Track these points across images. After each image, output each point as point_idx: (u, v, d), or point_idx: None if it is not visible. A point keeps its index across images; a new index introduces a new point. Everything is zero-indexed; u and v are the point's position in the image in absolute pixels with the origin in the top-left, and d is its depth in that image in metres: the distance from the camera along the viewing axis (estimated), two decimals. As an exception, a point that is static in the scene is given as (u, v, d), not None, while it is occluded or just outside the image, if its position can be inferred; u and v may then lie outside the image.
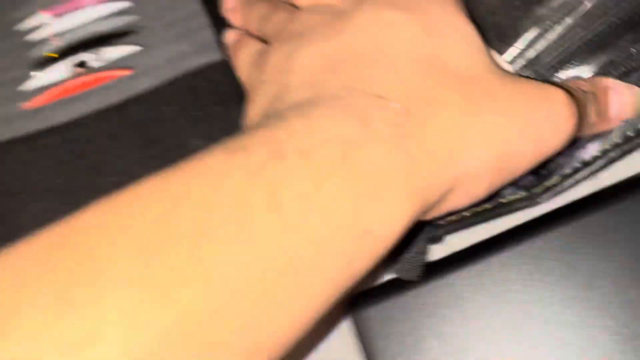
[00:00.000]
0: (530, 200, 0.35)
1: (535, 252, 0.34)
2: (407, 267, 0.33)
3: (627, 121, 0.33)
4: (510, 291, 0.34)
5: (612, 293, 0.33)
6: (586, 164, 0.35)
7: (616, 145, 0.34)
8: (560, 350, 0.33)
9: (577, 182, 0.35)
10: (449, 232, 0.35)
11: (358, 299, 0.34)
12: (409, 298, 0.34)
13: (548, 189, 0.35)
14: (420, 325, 0.34)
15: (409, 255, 0.33)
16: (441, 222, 0.34)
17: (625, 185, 0.36)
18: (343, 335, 0.36)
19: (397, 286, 0.34)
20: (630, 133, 0.34)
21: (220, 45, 0.38)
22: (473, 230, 0.36)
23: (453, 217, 0.35)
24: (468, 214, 0.35)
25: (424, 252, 0.33)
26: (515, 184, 0.35)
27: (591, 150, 0.35)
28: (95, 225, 0.21)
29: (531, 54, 0.35)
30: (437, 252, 0.36)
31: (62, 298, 0.20)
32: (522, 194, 0.35)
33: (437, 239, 0.35)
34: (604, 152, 0.34)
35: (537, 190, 0.35)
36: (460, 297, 0.34)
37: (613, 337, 0.33)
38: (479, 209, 0.35)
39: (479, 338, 0.33)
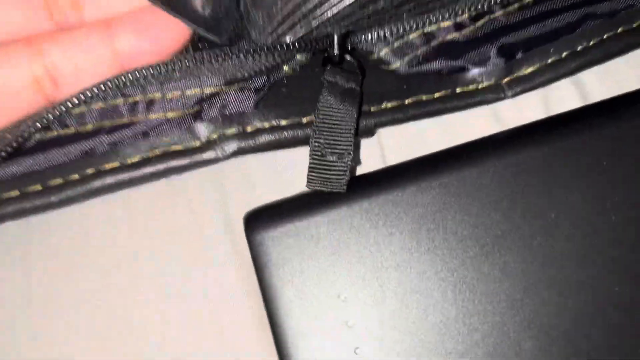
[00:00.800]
0: (496, 93, 0.26)
1: (480, 177, 0.25)
2: (328, 174, 0.24)
3: None
4: (448, 219, 0.25)
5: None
6: (577, 53, 0.26)
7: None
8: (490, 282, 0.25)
9: (559, 76, 0.26)
10: (382, 124, 0.26)
11: (252, 218, 0.26)
12: (317, 220, 0.25)
13: (520, 80, 0.26)
14: (328, 255, 0.25)
15: (331, 158, 0.24)
16: (372, 108, 0.25)
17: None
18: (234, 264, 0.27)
19: (304, 204, 0.26)
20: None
21: None
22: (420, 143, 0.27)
23: (388, 105, 0.26)
24: (409, 102, 0.26)
25: (350, 154, 0.24)
26: (478, 66, 0.26)
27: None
28: None
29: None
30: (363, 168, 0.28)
31: None
32: (485, 83, 0.26)
33: (367, 132, 0.26)
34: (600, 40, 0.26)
35: (507, 80, 0.26)
36: (375, 224, 0.25)
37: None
38: (423, 97, 0.26)
39: (406, 272, 0.25)
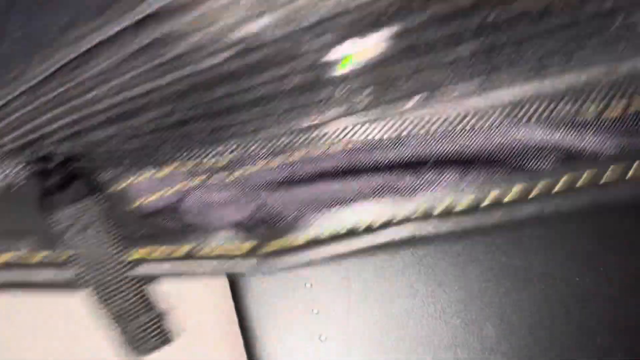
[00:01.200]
0: (244, 259, 0.21)
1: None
2: (152, 334, 0.22)
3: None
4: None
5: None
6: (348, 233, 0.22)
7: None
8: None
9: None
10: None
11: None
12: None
13: (280, 252, 0.21)
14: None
15: (144, 319, 0.21)
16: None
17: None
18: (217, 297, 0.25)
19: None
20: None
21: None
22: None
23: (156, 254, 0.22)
24: (159, 257, 0.22)
25: (153, 304, 0.22)
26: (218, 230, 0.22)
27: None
28: None
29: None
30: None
31: None
32: (243, 245, 0.22)
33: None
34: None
35: (264, 248, 0.21)
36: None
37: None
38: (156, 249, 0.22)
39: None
